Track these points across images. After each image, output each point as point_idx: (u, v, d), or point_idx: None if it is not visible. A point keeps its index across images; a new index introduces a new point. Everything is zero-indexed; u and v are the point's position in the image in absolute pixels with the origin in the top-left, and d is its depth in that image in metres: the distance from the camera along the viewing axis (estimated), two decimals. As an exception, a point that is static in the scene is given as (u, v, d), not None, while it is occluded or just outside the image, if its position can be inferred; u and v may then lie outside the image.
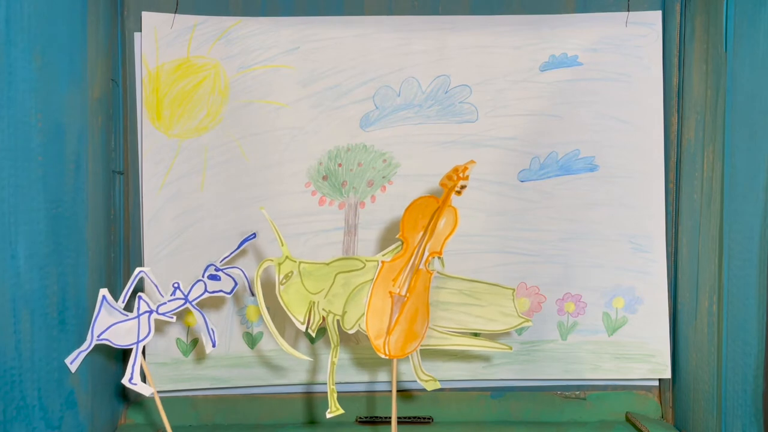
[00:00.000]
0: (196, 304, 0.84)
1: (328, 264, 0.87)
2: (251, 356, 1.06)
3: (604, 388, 1.10)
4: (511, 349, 0.90)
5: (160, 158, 1.04)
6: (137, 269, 0.82)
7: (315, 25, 1.05)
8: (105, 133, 0.99)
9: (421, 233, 0.84)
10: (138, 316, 0.82)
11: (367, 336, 0.84)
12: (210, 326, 0.85)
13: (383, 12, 1.06)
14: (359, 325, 0.86)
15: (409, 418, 1.08)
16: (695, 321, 1.00)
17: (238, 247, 0.85)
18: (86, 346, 0.80)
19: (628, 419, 1.08)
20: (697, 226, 0.99)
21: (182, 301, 0.84)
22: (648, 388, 1.10)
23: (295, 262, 0.86)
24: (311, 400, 1.09)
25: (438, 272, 0.88)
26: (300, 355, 0.87)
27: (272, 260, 0.86)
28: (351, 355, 1.07)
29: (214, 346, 0.85)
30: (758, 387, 0.83)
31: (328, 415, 0.86)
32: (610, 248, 1.06)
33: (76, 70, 0.89)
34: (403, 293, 0.84)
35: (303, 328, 0.86)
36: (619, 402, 1.10)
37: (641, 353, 1.07)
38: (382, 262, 0.85)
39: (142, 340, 0.82)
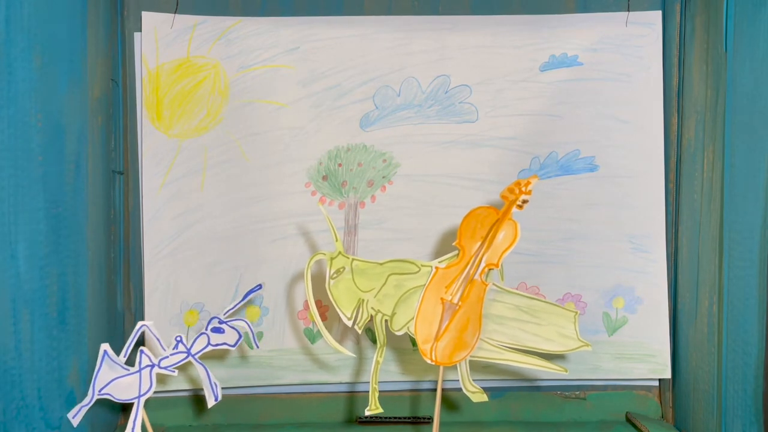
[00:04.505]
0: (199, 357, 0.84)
1: (381, 264, 0.88)
2: (251, 356, 1.06)
3: (604, 388, 1.10)
4: (566, 371, 0.89)
5: (160, 158, 1.04)
6: (139, 323, 0.81)
7: (315, 25, 1.05)
8: (105, 133, 0.99)
9: (479, 243, 0.84)
10: (140, 371, 0.81)
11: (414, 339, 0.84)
12: (213, 380, 0.84)
13: (383, 12, 1.06)
14: (408, 328, 0.86)
15: (409, 418, 1.08)
16: (695, 321, 1.00)
17: (243, 299, 0.85)
18: (87, 401, 0.80)
19: (628, 419, 1.08)
20: (697, 226, 0.99)
21: (185, 355, 0.83)
22: (648, 388, 1.10)
23: (348, 258, 0.88)
24: (311, 401, 1.09)
25: (495, 285, 0.88)
26: (345, 351, 0.88)
27: (324, 254, 0.87)
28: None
29: (216, 400, 0.84)
30: (758, 387, 0.83)
31: (367, 413, 0.88)
32: (610, 248, 1.06)
33: (76, 70, 0.89)
34: (455, 301, 0.84)
35: (350, 324, 0.87)
36: (619, 402, 1.10)
37: (641, 353, 1.07)
38: (436, 267, 0.85)
39: (144, 394, 0.81)
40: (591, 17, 1.06)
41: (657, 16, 1.05)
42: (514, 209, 0.83)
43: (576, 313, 0.89)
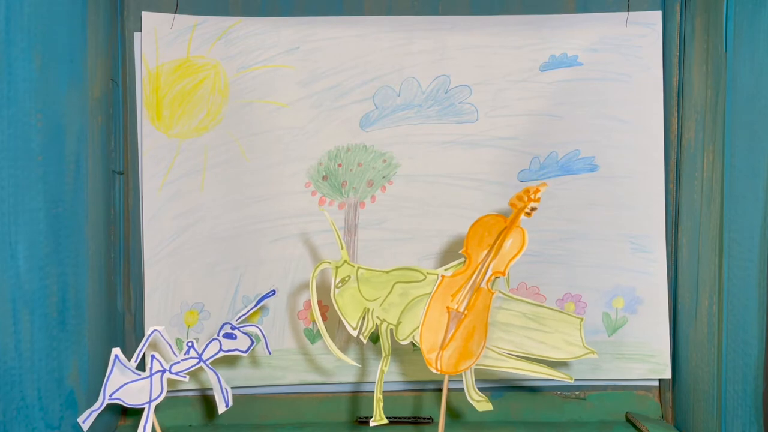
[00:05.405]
0: (210, 363, 0.83)
1: (387, 272, 0.87)
2: (251, 356, 1.06)
3: (604, 388, 1.10)
4: (572, 379, 0.89)
5: (160, 158, 1.04)
6: (151, 328, 0.81)
7: (315, 25, 1.05)
8: (105, 133, 0.99)
9: (486, 251, 0.83)
10: (150, 376, 0.81)
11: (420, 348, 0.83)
12: (224, 386, 0.83)
13: (383, 12, 1.06)
14: (413, 337, 0.85)
15: (409, 418, 1.08)
16: (695, 321, 1.00)
17: (256, 305, 0.84)
18: (98, 406, 0.80)
19: (628, 419, 1.08)
20: (697, 226, 0.99)
21: (196, 360, 0.83)
22: (648, 388, 1.10)
23: (354, 266, 0.86)
24: (311, 401, 1.09)
25: (501, 293, 0.87)
26: (348, 360, 0.87)
27: (330, 263, 0.85)
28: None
29: (227, 406, 0.83)
30: (758, 387, 0.83)
31: (372, 424, 0.86)
32: (610, 248, 1.06)
33: (76, 70, 0.89)
34: (462, 310, 0.83)
35: (355, 333, 0.85)
36: (619, 402, 1.10)
37: (641, 353, 1.07)
38: (442, 276, 0.85)
39: (155, 399, 0.81)
40: (591, 17, 1.06)
41: (657, 16, 1.05)
42: (522, 216, 0.82)
43: (581, 319, 0.88)
